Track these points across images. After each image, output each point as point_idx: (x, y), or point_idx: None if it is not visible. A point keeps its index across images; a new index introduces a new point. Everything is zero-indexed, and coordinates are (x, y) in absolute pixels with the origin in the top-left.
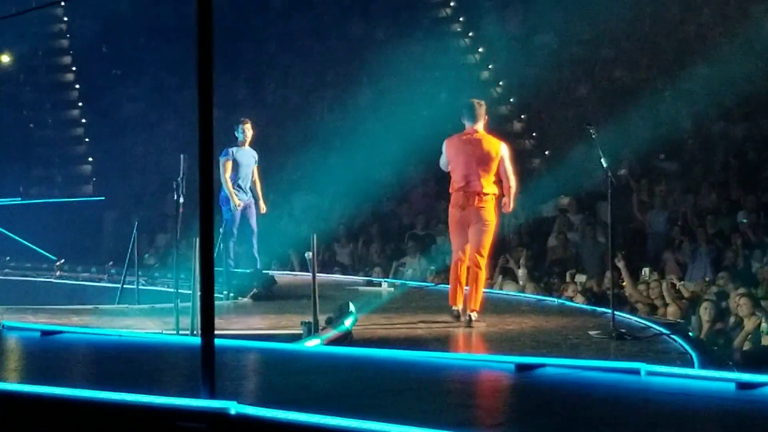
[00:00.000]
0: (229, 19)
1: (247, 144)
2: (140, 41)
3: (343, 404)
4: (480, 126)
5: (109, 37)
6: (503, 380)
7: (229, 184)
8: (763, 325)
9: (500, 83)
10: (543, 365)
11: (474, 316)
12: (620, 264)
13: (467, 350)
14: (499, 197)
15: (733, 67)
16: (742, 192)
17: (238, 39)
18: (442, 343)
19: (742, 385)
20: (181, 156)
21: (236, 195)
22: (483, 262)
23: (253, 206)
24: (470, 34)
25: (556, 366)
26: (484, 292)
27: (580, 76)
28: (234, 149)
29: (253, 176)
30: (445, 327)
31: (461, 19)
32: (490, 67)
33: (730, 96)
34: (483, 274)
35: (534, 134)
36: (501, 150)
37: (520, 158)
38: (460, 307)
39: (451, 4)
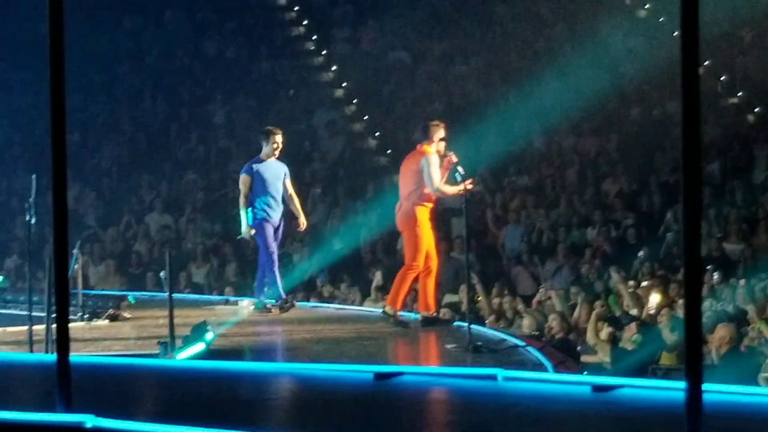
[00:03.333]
0: (78, 38)
1: (274, 156)
2: None
3: (203, 415)
4: (427, 144)
5: None
6: (361, 389)
7: (242, 203)
8: (614, 332)
9: (354, 101)
10: (401, 373)
11: (386, 309)
12: (475, 281)
13: (327, 361)
14: (432, 210)
15: (582, 82)
16: (593, 206)
17: (88, 58)
18: (300, 351)
19: (598, 388)
20: (33, 177)
21: (267, 213)
22: (408, 268)
23: (281, 227)
24: (324, 51)
25: (413, 374)
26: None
27: (434, 93)
28: (256, 164)
29: (287, 191)
30: (301, 337)
31: (314, 37)
32: (344, 84)
33: (580, 110)
34: (407, 276)
35: (389, 151)
36: (421, 162)
37: (374, 175)
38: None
39: (305, 22)
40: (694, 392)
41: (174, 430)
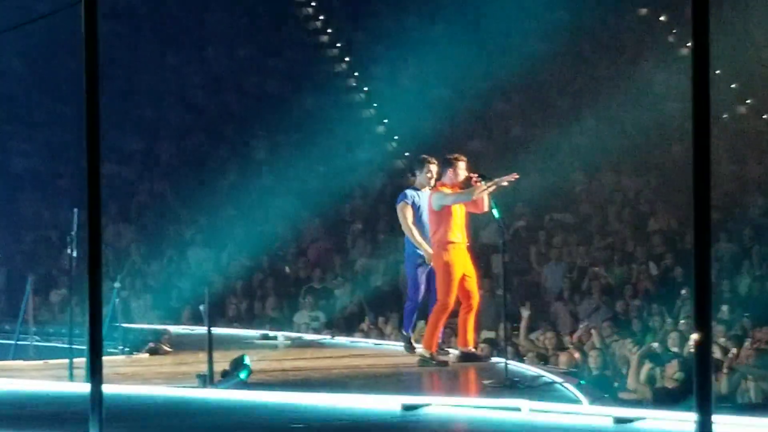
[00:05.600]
0: (123, 74)
1: (429, 186)
2: (32, 97)
3: None
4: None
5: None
6: (390, 419)
7: (416, 232)
8: (656, 370)
9: (395, 137)
10: (428, 404)
11: (423, 352)
12: (525, 313)
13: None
14: (468, 248)
15: (624, 121)
16: (634, 244)
17: (132, 94)
18: (337, 386)
19: (619, 420)
20: (75, 211)
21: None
22: (435, 306)
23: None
24: (365, 88)
25: (440, 405)
26: (440, 332)
27: (475, 130)
28: (412, 193)
29: None
30: (338, 372)
31: (356, 73)
32: (385, 121)
33: (622, 148)
34: (440, 318)
35: None
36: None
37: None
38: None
39: (346, 59)
40: (705, 423)
41: None
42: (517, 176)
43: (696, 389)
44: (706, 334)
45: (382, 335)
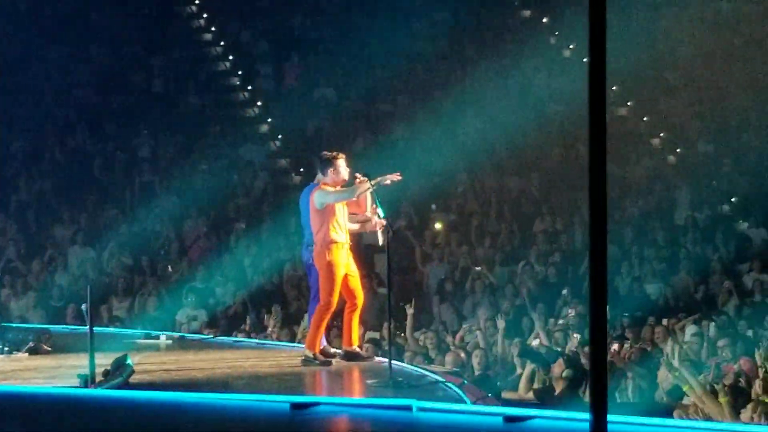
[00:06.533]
0: (4, 70)
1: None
2: None
3: None
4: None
5: None
6: (279, 419)
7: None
8: (537, 372)
9: (279, 137)
10: (317, 404)
11: (306, 353)
12: (410, 311)
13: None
14: (350, 247)
15: (507, 122)
16: (517, 244)
17: (15, 91)
18: (221, 385)
19: (509, 418)
20: None
21: None
22: (318, 306)
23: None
24: (249, 87)
25: (329, 404)
26: (323, 332)
27: (359, 130)
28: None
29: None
30: (222, 371)
31: (240, 72)
32: (269, 120)
33: (503, 149)
34: (323, 318)
35: None
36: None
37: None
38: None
39: (230, 57)
40: (598, 423)
41: None
42: (400, 176)
43: (591, 388)
44: (602, 333)
45: (264, 334)
